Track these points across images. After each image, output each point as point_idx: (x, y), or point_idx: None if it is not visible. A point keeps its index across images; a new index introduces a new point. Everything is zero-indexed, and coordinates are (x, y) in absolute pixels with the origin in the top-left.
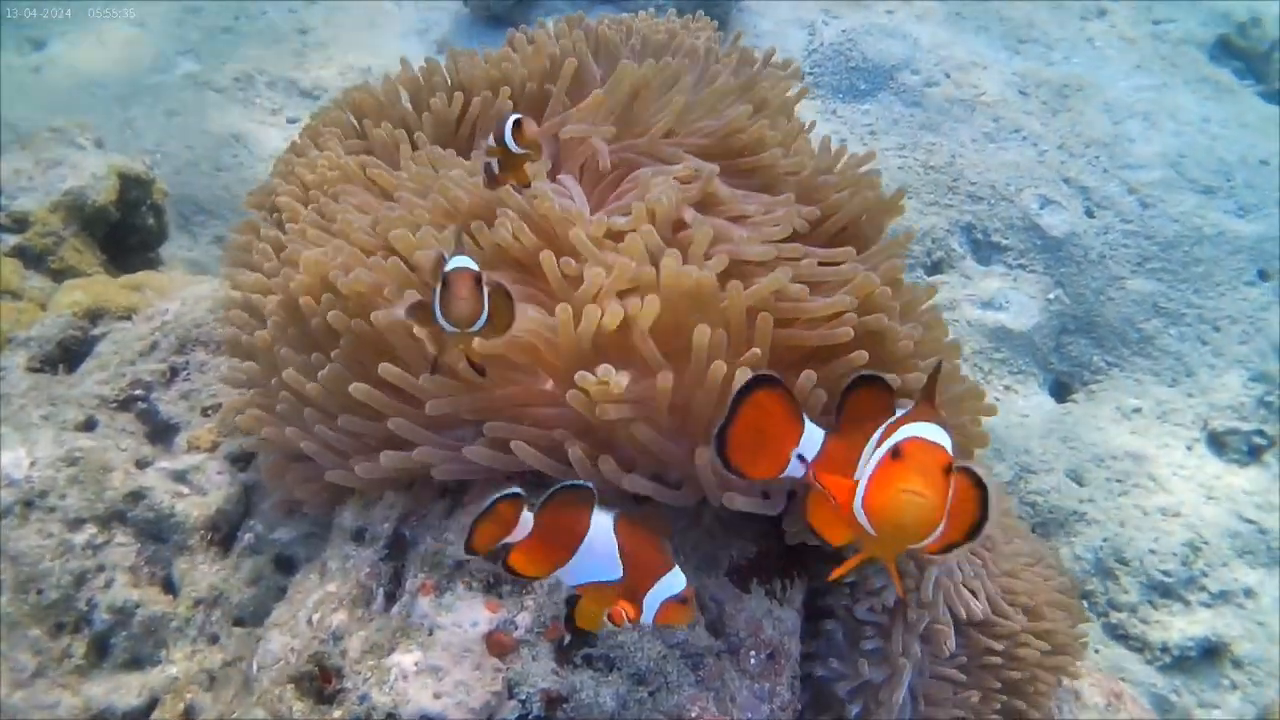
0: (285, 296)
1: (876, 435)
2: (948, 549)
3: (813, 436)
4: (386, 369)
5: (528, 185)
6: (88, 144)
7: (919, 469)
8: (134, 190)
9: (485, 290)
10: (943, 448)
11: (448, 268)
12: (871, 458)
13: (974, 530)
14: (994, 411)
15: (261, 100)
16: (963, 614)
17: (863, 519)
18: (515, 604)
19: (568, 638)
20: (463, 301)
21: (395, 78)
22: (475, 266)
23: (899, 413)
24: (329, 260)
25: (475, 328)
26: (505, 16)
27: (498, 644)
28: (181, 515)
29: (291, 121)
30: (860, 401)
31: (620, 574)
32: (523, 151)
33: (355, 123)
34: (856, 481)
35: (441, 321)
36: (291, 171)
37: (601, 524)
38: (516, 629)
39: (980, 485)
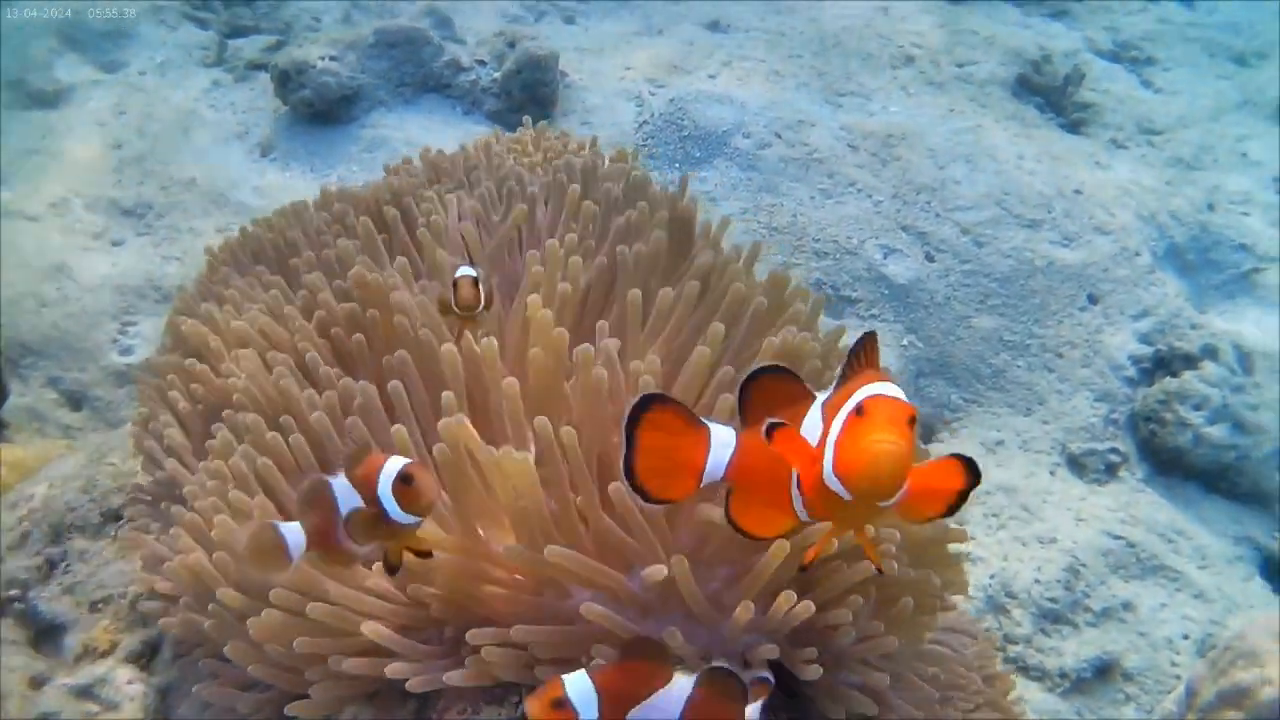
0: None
1: (817, 407)
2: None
3: (722, 437)
4: (340, 591)
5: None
6: None
7: (886, 419)
8: None
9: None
10: (903, 400)
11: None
12: (834, 427)
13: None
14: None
15: (82, 225)
16: None
17: (835, 484)
18: None
19: None
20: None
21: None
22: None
23: (828, 392)
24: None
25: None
26: (328, 114)
27: None
28: None
29: (116, 244)
30: (765, 392)
31: None
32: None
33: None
34: (819, 451)
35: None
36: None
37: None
38: None
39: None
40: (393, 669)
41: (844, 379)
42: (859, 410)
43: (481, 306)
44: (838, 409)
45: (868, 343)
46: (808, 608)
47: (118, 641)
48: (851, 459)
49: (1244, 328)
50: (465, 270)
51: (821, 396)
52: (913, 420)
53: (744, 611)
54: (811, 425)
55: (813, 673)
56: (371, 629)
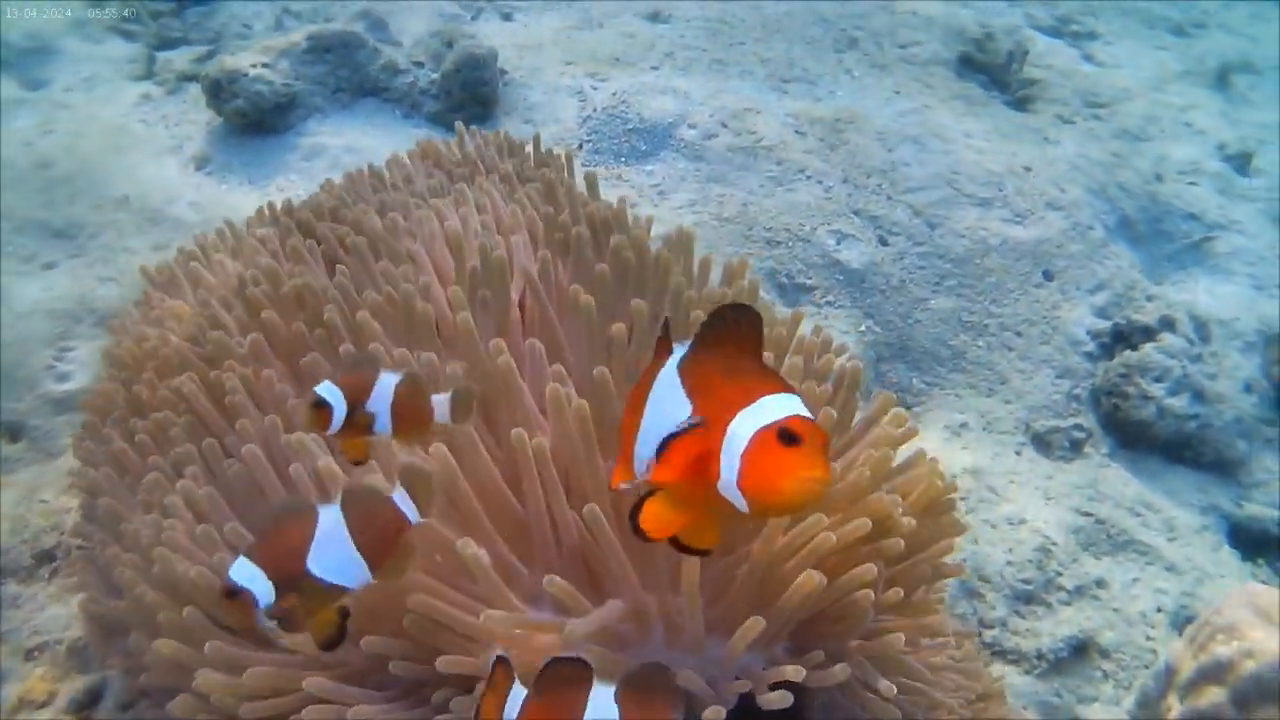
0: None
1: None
2: None
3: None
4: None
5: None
6: None
7: (816, 450)
8: None
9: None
10: (814, 419)
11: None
12: (736, 432)
13: None
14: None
15: (12, 249)
16: None
17: (735, 496)
18: None
19: None
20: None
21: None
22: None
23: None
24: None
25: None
26: (264, 123)
27: None
28: None
29: (48, 267)
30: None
31: None
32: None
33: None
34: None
35: None
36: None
37: (602, 696)
38: None
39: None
40: (356, 712)
41: (703, 345)
42: (783, 435)
43: (335, 427)
44: (712, 389)
45: (746, 323)
46: (820, 582)
47: (56, 691)
48: (775, 487)
49: (1198, 297)
50: (320, 389)
51: (674, 357)
52: (826, 443)
53: (753, 627)
54: (669, 394)
55: (841, 673)
56: (314, 682)
